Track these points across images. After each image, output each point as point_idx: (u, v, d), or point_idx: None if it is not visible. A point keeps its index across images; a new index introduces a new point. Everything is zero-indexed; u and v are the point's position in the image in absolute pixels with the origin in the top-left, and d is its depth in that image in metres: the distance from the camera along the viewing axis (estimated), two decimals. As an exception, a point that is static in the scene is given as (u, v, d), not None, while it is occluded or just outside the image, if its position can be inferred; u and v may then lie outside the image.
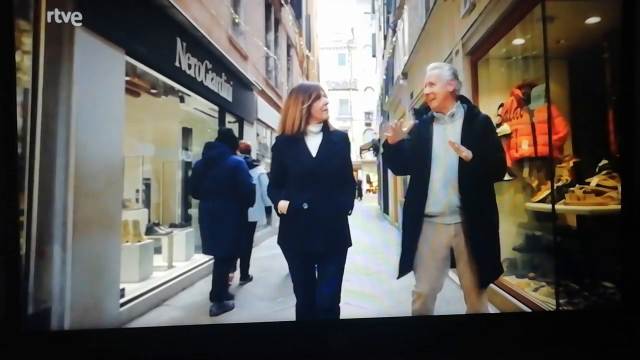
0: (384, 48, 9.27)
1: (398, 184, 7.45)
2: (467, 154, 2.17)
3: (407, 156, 2.32)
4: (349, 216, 2.39)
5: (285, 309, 3.12)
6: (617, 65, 2.59)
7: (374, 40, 10.74)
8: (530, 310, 2.82)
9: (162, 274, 3.70)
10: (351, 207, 2.42)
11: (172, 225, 4.27)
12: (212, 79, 4.35)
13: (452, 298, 2.66)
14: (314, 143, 2.30)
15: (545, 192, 3.16)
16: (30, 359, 2.16)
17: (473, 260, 2.25)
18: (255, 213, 3.66)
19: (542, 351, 2.29)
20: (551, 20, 2.86)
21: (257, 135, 6.11)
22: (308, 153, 2.27)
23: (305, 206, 2.23)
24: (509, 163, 3.25)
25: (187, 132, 5.17)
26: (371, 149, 7.91)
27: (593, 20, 2.86)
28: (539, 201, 3.16)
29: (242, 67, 5.18)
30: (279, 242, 2.35)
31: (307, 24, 9.40)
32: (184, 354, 2.26)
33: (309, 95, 2.25)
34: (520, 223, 3.48)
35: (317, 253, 2.27)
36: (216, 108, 4.83)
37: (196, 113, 4.99)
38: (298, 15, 8.62)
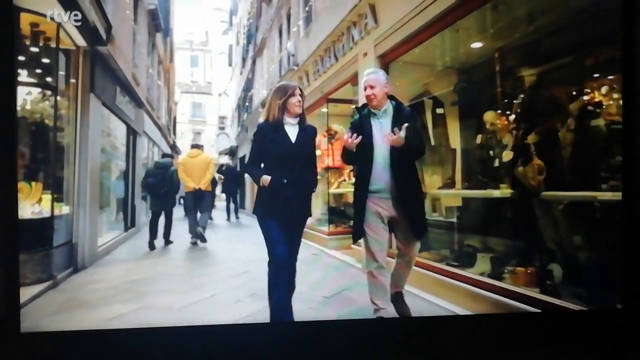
0: (242, 67, 10.38)
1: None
2: (398, 138, 2.51)
3: (356, 152, 2.64)
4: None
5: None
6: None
7: (231, 51, 11.09)
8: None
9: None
10: (315, 185, 2.81)
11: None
12: (127, 107, 6.11)
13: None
14: (292, 131, 2.66)
15: (335, 183, 6.11)
16: (30, 359, 2.22)
17: (406, 223, 2.66)
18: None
19: (542, 351, 2.32)
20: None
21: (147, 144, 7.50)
22: (288, 139, 2.63)
23: (285, 181, 2.55)
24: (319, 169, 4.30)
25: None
26: (228, 154, 8.53)
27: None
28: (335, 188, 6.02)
29: (138, 91, 6.61)
30: (255, 212, 2.65)
31: (171, 37, 10.07)
32: (182, 354, 2.31)
33: (285, 92, 2.64)
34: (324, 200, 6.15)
35: (293, 219, 2.62)
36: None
37: (107, 130, 6.37)
38: (166, 34, 9.65)
